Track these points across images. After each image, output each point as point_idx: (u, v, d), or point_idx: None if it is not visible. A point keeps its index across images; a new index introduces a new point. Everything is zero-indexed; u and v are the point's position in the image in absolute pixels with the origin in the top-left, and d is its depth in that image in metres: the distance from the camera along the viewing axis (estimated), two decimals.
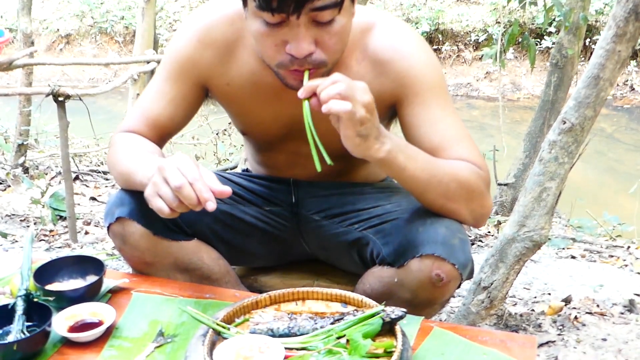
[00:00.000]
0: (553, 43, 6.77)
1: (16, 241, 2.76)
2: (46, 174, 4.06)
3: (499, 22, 8.13)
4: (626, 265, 2.57)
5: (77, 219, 2.97)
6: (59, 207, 2.99)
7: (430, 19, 8.90)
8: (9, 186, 3.71)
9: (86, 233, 3.00)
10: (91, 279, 1.20)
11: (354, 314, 1.01)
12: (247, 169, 1.56)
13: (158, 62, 3.29)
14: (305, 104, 1.03)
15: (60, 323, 1.07)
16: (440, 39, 8.88)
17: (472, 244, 2.92)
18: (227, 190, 1.02)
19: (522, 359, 0.99)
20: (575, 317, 1.88)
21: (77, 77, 9.22)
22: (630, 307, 2.00)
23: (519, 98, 8.33)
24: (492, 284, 1.62)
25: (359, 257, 1.33)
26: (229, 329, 1.01)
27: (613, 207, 4.23)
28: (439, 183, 1.13)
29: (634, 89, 8.18)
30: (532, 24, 8.21)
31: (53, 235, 2.90)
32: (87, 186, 4.02)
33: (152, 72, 3.33)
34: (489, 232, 3.17)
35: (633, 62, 8.15)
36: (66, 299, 1.12)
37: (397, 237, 1.20)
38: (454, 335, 1.05)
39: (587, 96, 1.44)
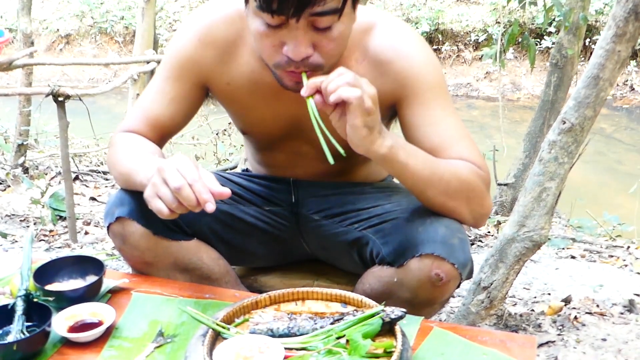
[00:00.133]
0: (553, 43, 6.77)
1: (16, 241, 2.76)
2: (46, 174, 4.06)
3: (498, 22, 8.14)
4: (626, 265, 2.57)
5: (77, 219, 2.97)
6: (59, 207, 2.99)
7: (430, 19, 8.90)
8: (9, 186, 3.71)
9: (86, 233, 3.00)
10: (91, 279, 1.20)
11: (354, 314, 1.01)
12: (247, 168, 1.56)
13: (158, 62, 3.29)
14: (310, 102, 1.04)
15: (60, 323, 1.07)
16: (440, 39, 8.89)
17: (472, 244, 2.92)
18: (226, 191, 1.02)
19: (522, 359, 0.99)
20: (575, 317, 1.88)
21: (77, 77, 9.22)
22: (630, 307, 2.00)
23: (519, 98, 8.33)
24: (492, 284, 1.62)
25: (358, 256, 1.33)
26: (228, 329, 1.01)
27: (613, 207, 4.23)
28: (439, 180, 1.13)
29: (633, 89, 8.18)
30: (532, 24, 8.21)
31: (53, 236, 2.90)
32: (87, 186, 4.02)
33: (152, 72, 3.33)
34: (489, 232, 3.17)
35: (633, 62, 8.15)
36: (66, 299, 1.12)
37: (396, 236, 1.20)
38: (454, 335, 1.05)
39: (587, 96, 1.44)
